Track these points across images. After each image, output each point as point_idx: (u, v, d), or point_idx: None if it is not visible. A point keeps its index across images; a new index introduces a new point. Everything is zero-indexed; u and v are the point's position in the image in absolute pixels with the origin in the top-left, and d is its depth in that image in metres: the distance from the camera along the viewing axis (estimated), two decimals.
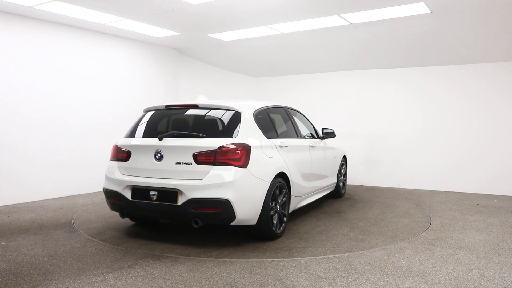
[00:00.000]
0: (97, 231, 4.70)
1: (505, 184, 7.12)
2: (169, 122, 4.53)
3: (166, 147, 4.13)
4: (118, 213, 5.04)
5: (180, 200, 3.90)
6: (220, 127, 4.28)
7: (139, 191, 4.14)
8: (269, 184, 4.17)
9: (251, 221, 4.06)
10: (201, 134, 4.15)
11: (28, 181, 6.43)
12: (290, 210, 4.80)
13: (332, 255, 3.84)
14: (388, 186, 8.15)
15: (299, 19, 6.28)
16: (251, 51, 8.46)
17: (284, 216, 4.56)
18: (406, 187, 8.00)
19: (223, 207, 3.82)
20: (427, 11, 5.69)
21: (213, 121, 4.39)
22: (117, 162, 4.46)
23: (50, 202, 6.38)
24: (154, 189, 4.05)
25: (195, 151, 3.98)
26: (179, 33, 7.31)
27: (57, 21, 6.64)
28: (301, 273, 3.38)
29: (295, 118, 5.59)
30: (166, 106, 4.56)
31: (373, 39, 7.14)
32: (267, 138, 4.48)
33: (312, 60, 8.66)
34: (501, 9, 5.56)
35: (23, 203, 6.31)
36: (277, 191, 4.38)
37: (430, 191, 7.64)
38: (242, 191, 3.90)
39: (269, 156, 4.33)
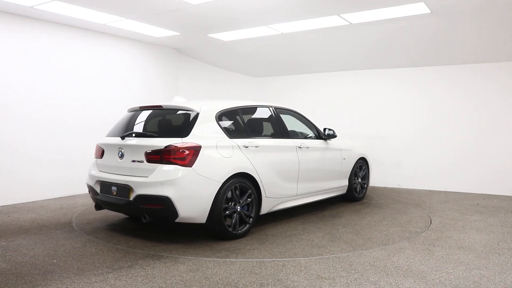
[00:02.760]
0: (97, 231, 4.70)
1: (505, 184, 7.11)
2: (136, 122, 4.76)
3: (126, 145, 4.41)
4: (118, 213, 5.34)
5: (132, 196, 4.15)
6: (176, 127, 4.49)
7: (105, 186, 4.50)
8: (221, 184, 4.18)
9: (198, 219, 4.12)
10: (154, 134, 4.39)
11: (28, 181, 6.43)
12: (264, 212, 4.78)
13: (332, 255, 3.84)
14: (388, 186, 8.15)
15: (299, 19, 6.28)
16: (251, 51, 8.46)
17: (249, 217, 4.52)
18: (406, 187, 8.00)
19: (165, 204, 3.97)
20: (427, 11, 5.69)
21: (172, 121, 4.62)
22: (96, 159, 4.86)
23: (50, 202, 6.38)
24: (114, 184, 4.38)
25: (146, 149, 4.18)
26: (179, 33, 7.32)
27: (57, 21, 6.64)
28: (301, 273, 3.38)
29: (284, 118, 5.45)
30: (140, 107, 4.84)
31: (373, 39, 7.14)
32: (231, 138, 4.50)
33: (312, 60, 8.67)
34: (502, 9, 5.56)
35: (23, 203, 6.31)
36: (237, 192, 4.37)
37: (430, 191, 7.64)
38: (185, 189, 3.99)
39: (226, 156, 4.32)
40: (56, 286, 3.13)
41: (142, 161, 4.19)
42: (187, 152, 4.05)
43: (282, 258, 3.77)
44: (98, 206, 4.71)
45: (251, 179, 4.54)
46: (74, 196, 6.90)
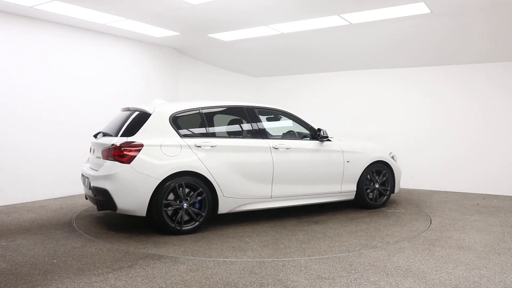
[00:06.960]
0: (97, 231, 4.70)
1: (505, 184, 7.11)
2: (113, 122, 5.15)
3: (95, 143, 5.00)
4: (118, 214, 5.30)
5: (90, 187, 4.67)
6: (129, 127, 4.76)
7: (84, 179, 5.03)
8: (160, 181, 4.40)
9: (138, 212, 4.44)
10: (111, 133, 4.82)
11: (28, 181, 6.43)
12: (224, 211, 4.81)
13: (332, 255, 3.84)
14: None
15: (299, 19, 6.28)
16: (251, 51, 8.46)
17: (199, 215, 4.62)
18: (406, 187, 8.00)
19: (106, 196, 4.41)
20: (427, 11, 5.70)
21: (129, 122, 4.88)
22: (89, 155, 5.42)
23: (50, 202, 6.38)
24: (86, 177, 4.89)
25: (102, 147, 4.68)
26: (179, 33, 7.32)
27: (57, 21, 6.64)
28: (301, 273, 3.38)
29: (261, 118, 5.37)
30: (122, 108, 5.29)
31: (373, 39, 7.14)
32: (184, 138, 4.70)
33: (313, 60, 8.66)
34: (503, 9, 5.56)
35: (23, 203, 6.31)
36: (181, 189, 4.51)
37: (430, 191, 7.64)
38: (121, 184, 4.35)
39: (170, 155, 4.52)
40: (56, 286, 3.13)
41: (100, 158, 4.69)
42: (127, 150, 4.41)
43: (201, 257, 3.77)
44: (86, 197, 5.13)
45: (204, 178, 4.65)
46: (74, 196, 6.90)
